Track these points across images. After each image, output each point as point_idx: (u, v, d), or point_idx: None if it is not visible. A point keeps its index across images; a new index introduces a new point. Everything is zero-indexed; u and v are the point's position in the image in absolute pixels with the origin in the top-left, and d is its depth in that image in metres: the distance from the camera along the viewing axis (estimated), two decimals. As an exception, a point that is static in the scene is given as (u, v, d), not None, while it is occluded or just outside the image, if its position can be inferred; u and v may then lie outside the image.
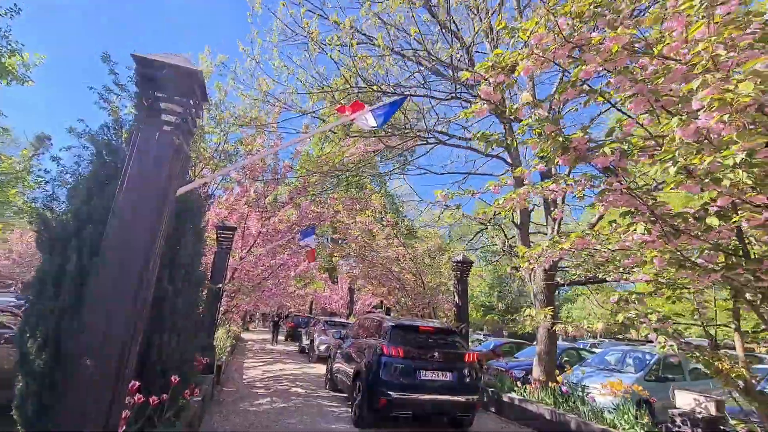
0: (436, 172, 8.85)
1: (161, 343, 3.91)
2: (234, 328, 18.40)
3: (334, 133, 8.29)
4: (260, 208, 9.56)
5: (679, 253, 3.73)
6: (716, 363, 4.08)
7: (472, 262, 10.66)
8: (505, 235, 9.62)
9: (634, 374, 8.30)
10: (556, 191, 4.09)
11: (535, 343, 16.62)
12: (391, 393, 5.53)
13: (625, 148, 3.49)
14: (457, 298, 10.30)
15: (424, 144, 7.74)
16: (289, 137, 9.11)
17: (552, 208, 7.89)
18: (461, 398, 5.84)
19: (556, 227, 7.32)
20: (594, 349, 14.40)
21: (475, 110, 3.90)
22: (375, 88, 5.98)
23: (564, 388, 6.80)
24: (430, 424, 6.52)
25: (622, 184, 3.53)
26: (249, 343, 19.99)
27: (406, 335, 6.17)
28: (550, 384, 7.12)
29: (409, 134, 7.07)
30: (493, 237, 10.07)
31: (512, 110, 3.89)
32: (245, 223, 9.52)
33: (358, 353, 6.71)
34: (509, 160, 8.24)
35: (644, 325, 4.30)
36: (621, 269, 5.19)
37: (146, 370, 3.87)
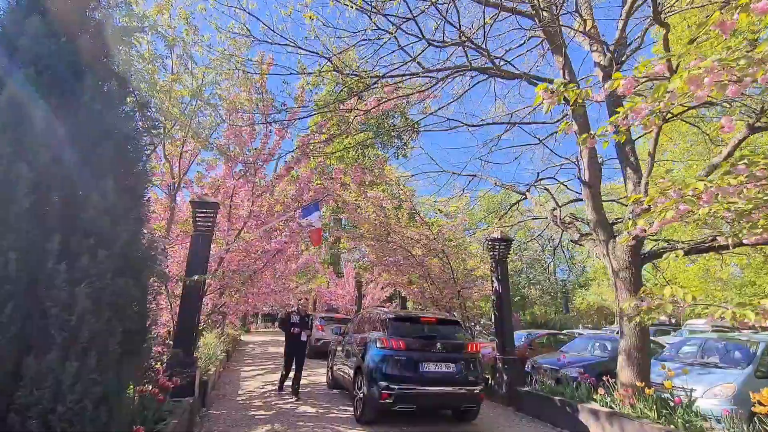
0: (470, 124, 6.90)
1: (40, 372, 2.01)
2: (231, 330, 16.52)
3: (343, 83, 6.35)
4: (250, 182, 7.64)
5: None
6: None
7: (512, 240, 8.78)
8: (556, 203, 7.71)
9: (740, 370, 6.44)
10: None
11: (579, 334, 14.58)
12: (393, 386, 5.41)
13: None
14: (496, 284, 8.43)
15: (464, 72, 5.80)
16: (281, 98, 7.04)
17: (630, 156, 5.98)
18: (465, 390, 5.75)
19: (645, 178, 5.41)
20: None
21: None
22: None
23: (677, 398, 4.95)
24: (433, 418, 6.38)
25: None
26: (249, 347, 18.15)
27: (406, 327, 6.10)
28: (646, 391, 5.27)
29: (461, 66, 5.10)
30: (537, 206, 8.17)
31: None
32: (231, 201, 7.59)
33: (358, 348, 6.48)
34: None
35: None
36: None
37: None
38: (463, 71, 5.70)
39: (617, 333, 21.25)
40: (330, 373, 8.43)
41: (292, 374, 7.59)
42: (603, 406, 5.50)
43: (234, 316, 16.90)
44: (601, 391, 5.66)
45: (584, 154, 6.26)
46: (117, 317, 2.45)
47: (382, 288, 23.28)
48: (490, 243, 8.75)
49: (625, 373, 5.65)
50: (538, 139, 6.09)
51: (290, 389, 7.49)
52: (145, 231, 2.96)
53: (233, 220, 7.70)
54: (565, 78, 6.53)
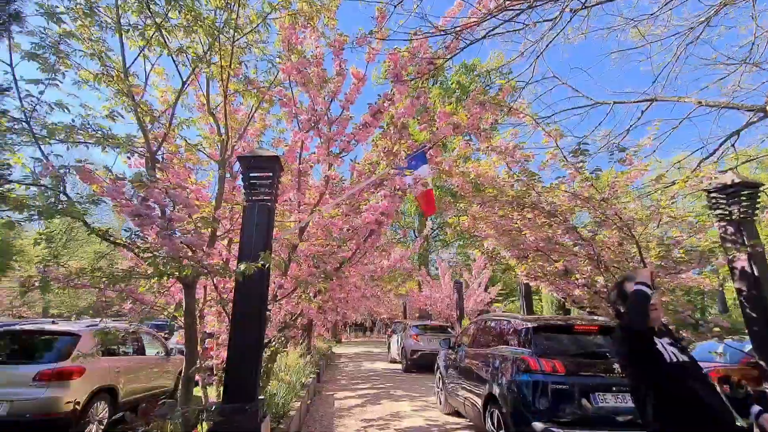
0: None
1: None
2: (320, 343, 14.57)
3: None
4: (325, 136, 5.24)
5: None
6: None
7: (761, 186, 5.12)
8: None
9: None
10: None
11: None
12: (555, 430, 3.63)
13: None
14: (741, 263, 4.86)
15: None
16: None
17: None
18: None
19: None
20: None
21: None
22: None
23: None
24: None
25: None
26: (342, 361, 16.07)
27: (558, 341, 4.34)
28: None
29: None
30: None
31: None
32: (300, 165, 5.22)
33: (483, 368, 5.00)
34: None
35: None
36: None
37: None
38: None
39: None
40: (443, 396, 6.99)
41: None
42: None
43: (322, 326, 14.97)
44: None
45: None
46: None
47: (486, 289, 19.93)
48: (714, 195, 5.23)
49: None
50: None
51: None
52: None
53: (304, 190, 5.31)
54: None
